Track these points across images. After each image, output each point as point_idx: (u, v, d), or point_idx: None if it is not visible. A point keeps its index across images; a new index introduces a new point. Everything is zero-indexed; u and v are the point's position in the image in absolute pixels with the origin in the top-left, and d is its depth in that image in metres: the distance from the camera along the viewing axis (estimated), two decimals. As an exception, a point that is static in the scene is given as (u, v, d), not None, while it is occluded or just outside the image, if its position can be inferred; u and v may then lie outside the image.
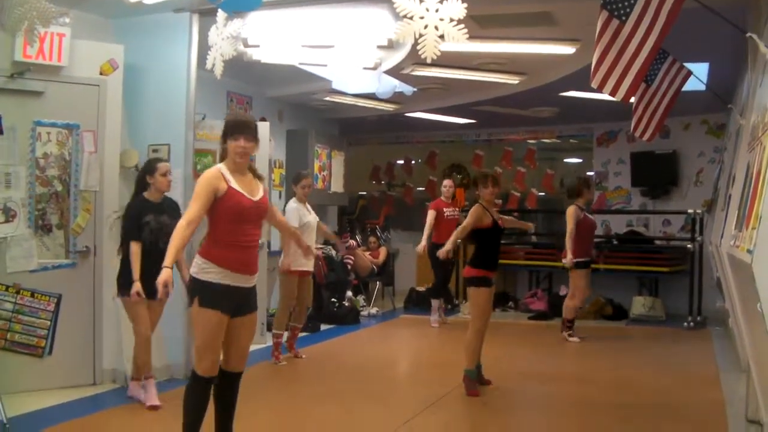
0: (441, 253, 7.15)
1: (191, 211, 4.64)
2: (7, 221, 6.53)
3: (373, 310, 12.35)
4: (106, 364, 7.10)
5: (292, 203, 8.54)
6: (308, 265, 8.45)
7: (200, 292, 4.67)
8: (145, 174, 6.45)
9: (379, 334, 10.92)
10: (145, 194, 6.43)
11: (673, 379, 7.70)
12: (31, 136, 6.71)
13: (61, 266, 6.87)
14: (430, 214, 10.78)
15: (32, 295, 6.70)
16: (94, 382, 7.02)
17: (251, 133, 4.83)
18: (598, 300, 11.77)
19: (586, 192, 9.87)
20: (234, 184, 4.73)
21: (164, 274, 4.56)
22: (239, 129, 4.80)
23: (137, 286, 6.05)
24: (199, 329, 4.69)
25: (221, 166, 4.80)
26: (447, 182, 11.30)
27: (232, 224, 4.71)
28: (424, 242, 10.53)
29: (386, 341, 10.29)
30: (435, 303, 11.13)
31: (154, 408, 6.25)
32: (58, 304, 6.82)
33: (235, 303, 4.74)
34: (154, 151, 7.41)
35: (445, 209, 10.83)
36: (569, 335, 9.67)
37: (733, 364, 8.05)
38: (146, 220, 6.28)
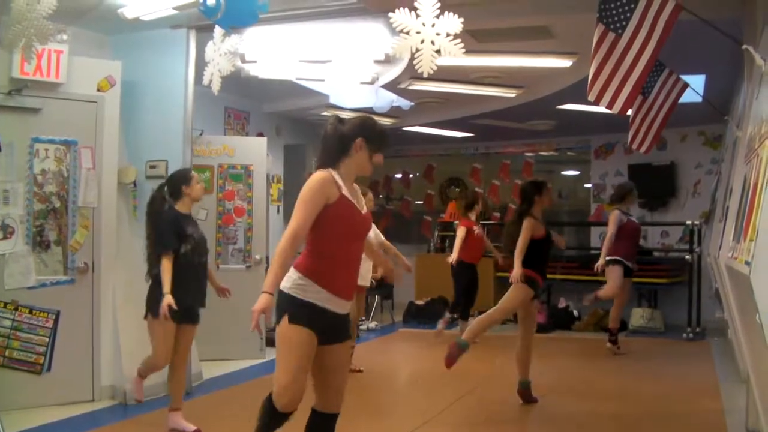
0: (514, 278, 6.85)
1: (298, 220, 4.00)
2: (5, 238, 6.52)
3: (372, 324, 12.33)
4: (104, 381, 7.09)
5: None
6: (364, 280, 8.07)
7: (292, 308, 4.03)
8: (180, 184, 6.00)
9: (378, 347, 10.91)
10: (177, 206, 5.99)
11: (672, 390, 7.69)
12: (29, 153, 6.71)
13: (60, 283, 6.86)
14: (461, 231, 10.36)
15: (30, 312, 6.69)
16: (93, 399, 7.00)
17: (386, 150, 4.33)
18: (597, 312, 11.76)
19: (630, 197, 9.79)
20: (346, 192, 4.13)
21: (266, 300, 3.84)
22: (385, 144, 4.28)
23: (169, 299, 5.59)
24: (287, 350, 4.05)
25: (332, 171, 4.17)
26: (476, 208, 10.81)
27: (340, 239, 4.11)
28: (456, 255, 10.26)
29: (385, 355, 10.28)
30: (463, 324, 10.77)
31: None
32: (56, 321, 6.81)
33: (329, 329, 4.11)
34: (152, 167, 7.43)
35: (474, 227, 10.50)
36: (617, 348, 9.64)
37: (733, 375, 8.04)
38: (189, 233, 5.89)
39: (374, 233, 8.13)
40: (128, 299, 7.27)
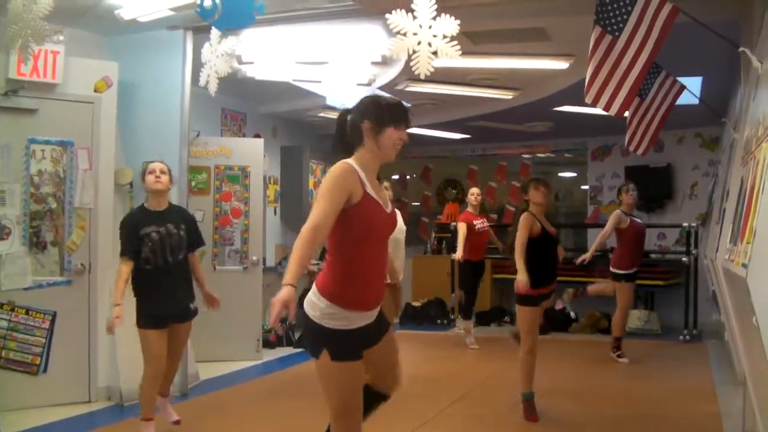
0: (519, 283, 6.51)
1: (318, 212, 3.52)
2: (1, 239, 6.51)
3: (369, 326, 12.30)
4: (101, 382, 7.09)
5: None
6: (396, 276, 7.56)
7: (330, 344, 3.68)
8: (142, 179, 5.92)
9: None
10: (145, 203, 5.90)
11: (668, 393, 7.69)
12: (26, 154, 6.71)
13: (56, 284, 6.86)
14: (462, 228, 10.09)
15: (27, 313, 6.69)
16: (89, 400, 7.00)
17: (409, 125, 3.89)
18: (594, 313, 11.77)
19: (624, 197, 9.59)
20: (370, 190, 3.71)
21: (286, 293, 3.33)
22: (404, 117, 3.83)
23: (118, 310, 5.45)
24: (336, 389, 3.74)
25: (353, 162, 3.73)
26: (474, 190, 10.51)
27: (363, 244, 3.72)
28: (461, 252, 10.07)
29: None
30: (467, 323, 10.63)
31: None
32: (53, 322, 6.81)
33: (367, 338, 3.84)
34: (149, 168, 7.42)
35: (475, 221, 10.23)
36: (618, 356, 9.46)
37: (730, 378, 8.04)
38: (146, 232, 5.67)
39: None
40: (124, 300, 7.26)
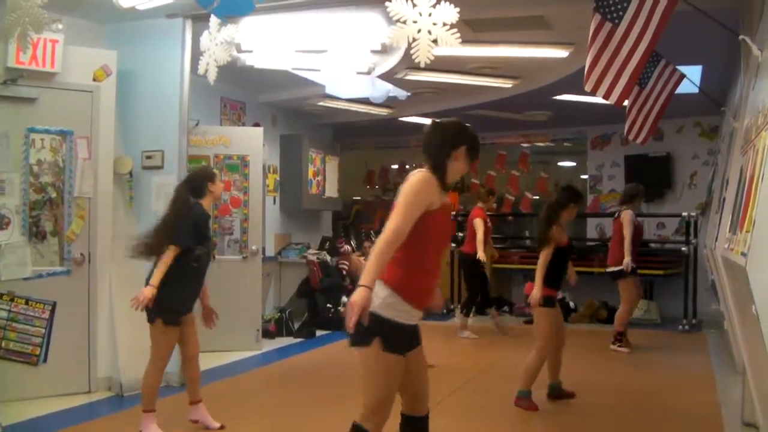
0: (534, 301, 6.56)
1: (400, 220, 3.72)
2: (1, 228, 6.50)
3: (369, 316, 12.32)
4: (100, 372, 7.09)
5: None
6: None
7: (385, 333, 3.77)
8: (206, 181, 5.83)
9: (374, 339, 10.89)
10: (202, 203, 5.82)
11: (668, 382, 7.70)
12: (25, 143, 6.70)
13: (56, 273, 6.85)
14: (480, 225, 10.14)
15: (27, 303, 6.69)
16: (89, 390, 7.01)
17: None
18: (593, 303, 11.78)
19: (639, 199, 9.71)
20: (447, 201, 4.00)
21: (365, 294, 3.54)
22: (478, 153, 4.15)
23: (151, 291, 5.39)
24: (379, 377, 3.83)
25: (434, 175, 3.95)
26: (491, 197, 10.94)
27: (427, 247, 3.89)
28: (482, 252, 10.14)
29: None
30: (465, 320, 10.64)
31: None
32: (52, 312, 6.81)
33: (411, 340, 3.98)
34: (148, 157, 7.42)
35: (486, 219, 10.40)
36: (619, 346, 9.50)
37: (729, 367, 8.05)
38: (210, 234, 5.77)
39: None
40: (124, 290, 7.26)
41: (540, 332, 6.66)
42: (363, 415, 3.86)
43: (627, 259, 9.24)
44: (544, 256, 6.63)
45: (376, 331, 3.73)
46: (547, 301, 6.59)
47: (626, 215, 9.44)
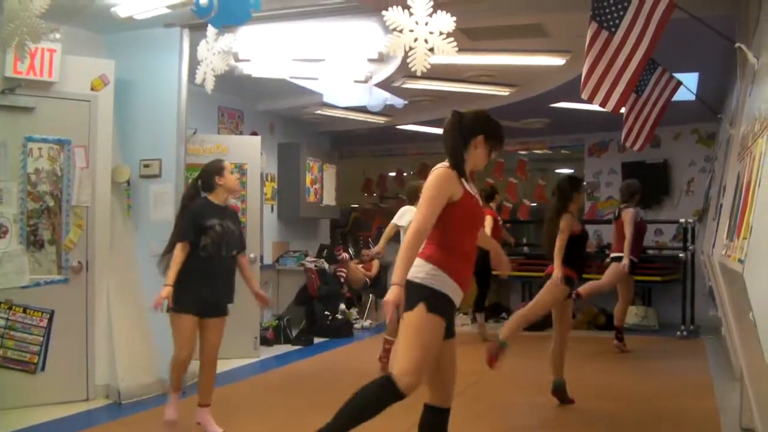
0: (555, 279, 6.73)
1: (422, 218, 4.01)
2: (-2, 237, 6.52)
3: (367, 323, 12.34)
4: (98, 380, 7.08)
5: (407, 207, 8.38)
6: None
7: (430, 298, 4.01)
8: (214, 174, 5.95)
9: (372, 346, 10.86)
10: (209, 197, 5.94)
11: (666, 388, 7.70)
12: (23, 152, 6.70)
13: (54, 282, 6.85)
14: (489, 221, 10.05)
15: (24, 311, 6.69)
16: (87, 398, 7.00)
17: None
18: (591, 310, 11.78)
19: (638, 196, 9.79)
20: (469, 188, 4.20)
21: (398, 292, 3.87)
22: (501, 142, 4.38)
23: (167, 291, 5.56)
24: (419, 336, 4.02)
25: (447, 166, 4.20)
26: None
27: (465, 233, 4.18)
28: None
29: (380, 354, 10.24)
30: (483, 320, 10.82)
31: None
32: (50, 320, 6.80)
33: (450, 323, 4.19)
34: (146, 166, 7.44)
35: (496, 218, 10.52)
36: (617, 343, 9.69)
37: (727, 373, 8.05)
38: (210, 224, 5.76)
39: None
40: (122, 298, 7.28)
41: (541, 296, 6.91)
42: (398, 375, 4.03)
43: (626, 261, 9.28)
44: (559, 242, 6.79)
45: (421, 296, 3.99)
46: (568, 281, 6.78)
47: (627, 214, 9.49)
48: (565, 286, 6.77)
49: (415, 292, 4.00)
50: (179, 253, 5.68)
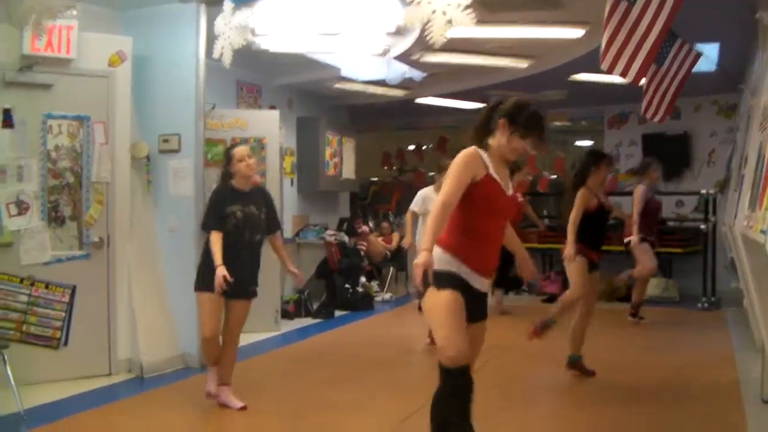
0: (567, 256, 6.70)
1: (447, 190, 4.01)
2: (20, 214, 6.55)
3: (387, 296, 12.38)
4: (121, 355, 7.14)
5: (425, 189, 8.46)
6: None
7: (437, 279, 4.00)
8: (227, 163, 6.09)
9: (393, 319, 10.94)
10: (233, 182, 6.04)
11: (687, 360, 7.69)
12: (42, 129, 6.73)
13: (75, 258, 6.90)
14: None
15: (47, 287, 6.73)
16: (110, 373, 7.06)
17: (543, 137, 4.26)
18: (611, 282, 11.75)
19: (648, 172, 9.74)
20: (492, 172, 4.13)
21: (426, 256, 3.85)
22: (536, 130, 4.18)
23: (222, 270, 5.65)
24: (438, 311, 4.04)
25: (478, 149, 4.16)
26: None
27: (482, 216, 4.14)
28: None
29: (401, 326, 10.29)
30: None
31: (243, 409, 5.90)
32: (72, 296, 6.85)
33: (470, 304, 4.13)
34: (165, 141, 7.43)
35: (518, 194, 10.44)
36: (632, 317, 9.75)
37: (748, 345, 8.03)
38: (231, 210, 5.89)
39: None
40: (143, 273, 7.31)
41: (572, 281, 6.78)
42: (439, 358, 4.05)
43: (634, 237, 9.27)
44: (572, 217, 6.72)
45: (431, 281, 3.95)
46: (579, 252, 6.69)
47: (637, 191, 9.51)
48: (583, 259, 6.71)
49: (428, 279, 3.97)
50: (215, 236, 5.82)
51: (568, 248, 6.66)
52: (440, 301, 4.02)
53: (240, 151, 6.08)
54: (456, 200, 4.02)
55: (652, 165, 9.78)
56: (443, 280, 4.02)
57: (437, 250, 4.04)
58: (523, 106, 4.16)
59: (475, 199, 4.07)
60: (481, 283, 4.20)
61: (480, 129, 4.23)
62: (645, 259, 9.57)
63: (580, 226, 6.71)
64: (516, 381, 6.99)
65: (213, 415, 5.86)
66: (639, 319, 9.67)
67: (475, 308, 4.17)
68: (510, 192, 4.27)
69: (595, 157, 7.00)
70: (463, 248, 4.10)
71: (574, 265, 6.71)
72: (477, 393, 4.20)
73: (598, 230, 6.89)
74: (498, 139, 4.16)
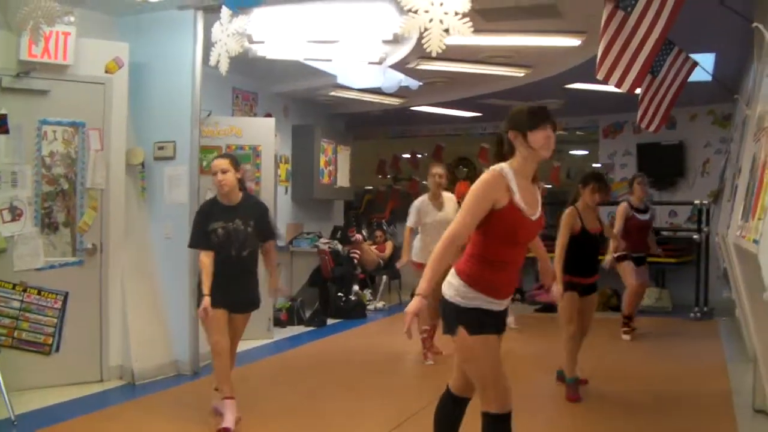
0: (556, 296, 5.97)
1: (460, 224, 3.76)
2: (13, 220, 6.54)
3: (380, 304, 12.36)
4: (112, 361, 7.13)
5: (418, 200, 8.30)
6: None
7: (466, 320, 3.81)
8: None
9: (386, 327, 10.93)
10: (218, 197, 5.88)
11: (680, 370, 7.70)
12: (37, 135, 6.73)
13: (68, 264, 6.89)
14: None
15: (39, 293, 6.72)
16: (101, 379, 7.05)
17: (554, 123, 3.94)
18: (605, 291, 11.76)
19: (636, 187, 9.72)
20: (518, 198, 3.82)
21: (419, 303, 3.68)
22: (542, 117, 3.91)
23: (206, 302, 5.53)
24: (480, 360, 3.86)
25: (505, 167, 3.86)
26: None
27: (503, 245, 3.87)
28: None
29: (393, 335, 10.25)
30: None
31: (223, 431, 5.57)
32: (64, 302, 6.84)
33: (497, 324, 3.98)
34: (160, 148, 7.44)
35: None
36: (624, 332, 9.55)
37: (740, 355, 8.05)
38: (212, 228, 5.70)
39: (444, 214, 8.18)
40: (136, 280, 7.31)
41: (562, 316, 6.64)
42: (483, 401, 3.90)
43: (607, 257, 9.20)
44: (558, 242, 6.58)
45: (458, 319, 3.83)
46: (565, 286, 6.45)
47: (619, 209, 9.55)
48: (571, 293, 6.53)
49: (451, 313, 3.87)
50: (204, 259, 5.67)
51: (556, 286, 5.87)
52: (480, 353, 3.84)
53: (214, 164, 5.84)
54: (468, 233, 3.81)
55: (634, 181, 9.79)
56: (474, 324, 3.82)
57: (457, 282, 3.86)
58: (518, 110, 4.01)
59: (497, 228, 3.81)
60: (502, 305, 3.99)
61: (502, 153, 4.00)
62: (626, 277, 9.55)
63: (568, 251, 6.58)
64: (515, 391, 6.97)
65: (204, 422, 5.84)
66: (632, 330, 9.62)
67: (499, 323, 4.03)
68: (537, 213, 3.99)
69: (586, 177, 6.86)
70: (484, 280, 3.84)
71: (562, 303, 6.49)
72: (472, 401, 4.19)
73: (586, 253, 6.69)
74: (520, 152, 3.90)
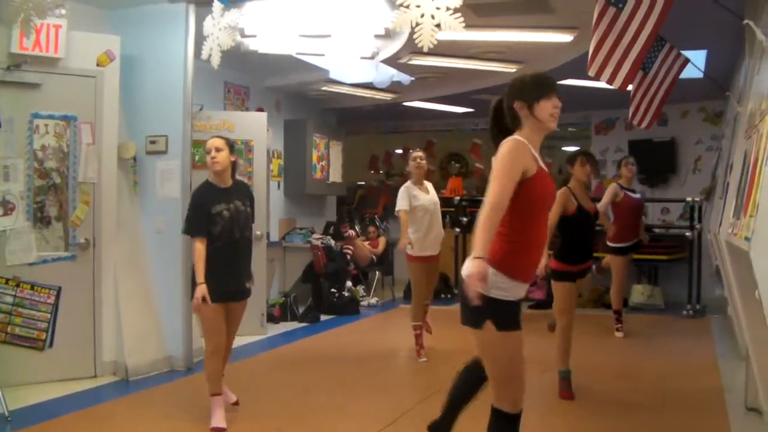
0: (540, 272, 5.93)
1: (498, 190, 3.54)
2: (5, 214, 6.52)
3: (373, 300, 12.35)
4: (106, 357, 7.11)
5: (404, 186, 8.11)
6: (432, 250, 8.01)
7: (494, 313, 3.63)
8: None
9: (379, 323, 10.93)
10: (210, 179, 5.76)
11: (672, 367, 7.71)
12: (29, 129, 6.70)
13: (61, 259, 6.87)
14: None
15: (32, 288, 6.71)
16: (95, 375, 7.04)
17: (557, 89, 3.85)
18: (597, 288, 11.77)
19: (624, 170, 9.71)
20: (542, 164, 3.74)
21: (480, 265, 3.42)
22: (549, 86, 3.84)
23: (202, 290, 5.40)
24: (503, 359, 3.75)
25: (521, 138, 3.73)
26: None
27: (532, 217, 3.72)
28: None
29: (386, 331, 10.29)
30: None
31: (216, 430, 5.50)
32: (58, 297, 6.82)
33: (519, 310, 3.86)
34: (152, 142, 7.43)
35: None
36: (617, 329, 9.49)
37: (732, 352, 8.06)
38: (217, 210, 5.57)
39: (431, 198, 8.11)
40: (129, 275, 7.29)
41: (559, 307, 6.54)
42: (496, 397, 3.82)
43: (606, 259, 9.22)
44: (549, 220, 6.37)
45: (486, 312, 3.63)
46: (557, 275, 6.45)
47: (608, 189, 9.54)
48: (561, 281, 6.47)
49: (480, 306, 3.55)
50: (200, 246, 5.51)
51: (542, 261, 6.02)
52: (507, 347, 3.73)
53: (209, 142, 5.77)
54: (507, 201, 3.56)
55: (621, 163, 9.88)
56: (506, 319, 3.68)
57: (488, 272, 3.55)
58: (522, 80, 3.88)
59: (530, 196, 3.64)
60: (525, 289, 3.84)
61: (503, 126, 3.89)
62: (617, 272, 9.61)
63: (562, 235, 6.55)
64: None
65: (198, 417, 5.82)
66: (621, 325, 9.57)
67: (520, 321, 3.85)
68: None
69: (569, 158, 6.83)
70: (511, 261, 3.67)
71: (556, 294, 6.50)
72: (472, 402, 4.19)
73: (580, 238, 6.61)
74: (530, 122, 3.78)
